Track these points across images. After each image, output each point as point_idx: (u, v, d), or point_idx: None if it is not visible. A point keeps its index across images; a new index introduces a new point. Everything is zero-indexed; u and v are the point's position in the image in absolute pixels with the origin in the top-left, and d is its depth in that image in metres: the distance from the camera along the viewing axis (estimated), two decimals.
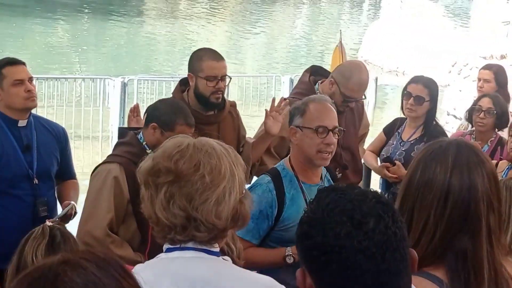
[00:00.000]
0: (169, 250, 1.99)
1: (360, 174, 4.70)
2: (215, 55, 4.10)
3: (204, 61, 4.04)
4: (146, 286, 1.82)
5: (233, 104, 4.37)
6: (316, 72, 4.58)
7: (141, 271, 1.98)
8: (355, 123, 4.59)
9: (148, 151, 3.52)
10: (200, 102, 4.07)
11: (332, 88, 4.30)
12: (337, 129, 3.41)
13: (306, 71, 4.61)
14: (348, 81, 4.28)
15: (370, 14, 28.59)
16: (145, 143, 3.59)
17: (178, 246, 1.97)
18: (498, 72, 5.82)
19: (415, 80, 4.83)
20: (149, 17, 26.53)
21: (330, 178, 3.64)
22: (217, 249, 2.00)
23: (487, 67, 6.04)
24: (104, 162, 3.64)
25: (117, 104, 9.46)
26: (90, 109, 10.02)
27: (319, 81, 4.46)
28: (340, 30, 10.19)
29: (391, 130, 4.99)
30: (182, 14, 27.14)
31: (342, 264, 1.33)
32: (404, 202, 1.87)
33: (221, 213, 1.91)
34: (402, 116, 4.97)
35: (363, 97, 4.46)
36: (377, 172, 4.91)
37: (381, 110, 12.76)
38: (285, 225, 3.36)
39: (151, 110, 3.65)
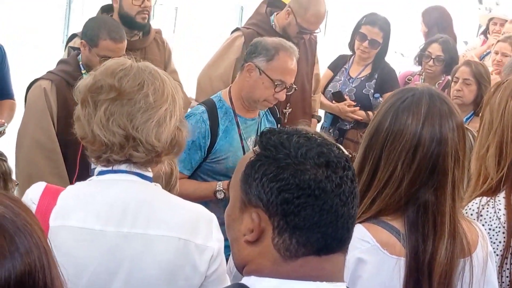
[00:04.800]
0: (101, 173, 1.95)
1: (309, 115, 4.55)
2: None
3: None
4: (76, 210, 1.85)
5: (159, 31, 4.28)
6: (272, 4, 4.47)
7: (71, 192, 1.94)
8: (308, 58, 4.50)
9: (83, 71, 3.54)
10: (125, 23, 3.95)
11: (288, 18, 4.22)
12: (292, 87, 3.34)
13: (263, 2, 4.50)
14: (306, 12, 4.18)
15: None
16: (81, 63, 3.59)
17: (110, 168, 1.93)
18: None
19: (371, 22, 4.66)
20: None
21: (269, 112, 3.57)
22: (150, 174, 1.98)
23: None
24: (39, 79, 3.59)
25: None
26: None
27: (275, 13, 4.36)
28: None
29: (337, 66, 4.91)
30: None
31: (319, 208, 1.29)
32: (369, 149, 1.83)
33: (161, 135, 1.89)
34: (346, 53, 4.88)
35: (319, 30, 4.35)
36: (338, 113, 4.73)
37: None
38: (217, 157, 3.32)
39: (82, 28, 3.65)
